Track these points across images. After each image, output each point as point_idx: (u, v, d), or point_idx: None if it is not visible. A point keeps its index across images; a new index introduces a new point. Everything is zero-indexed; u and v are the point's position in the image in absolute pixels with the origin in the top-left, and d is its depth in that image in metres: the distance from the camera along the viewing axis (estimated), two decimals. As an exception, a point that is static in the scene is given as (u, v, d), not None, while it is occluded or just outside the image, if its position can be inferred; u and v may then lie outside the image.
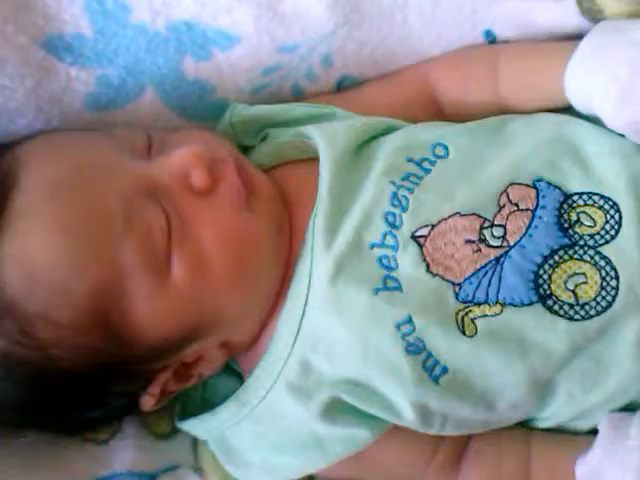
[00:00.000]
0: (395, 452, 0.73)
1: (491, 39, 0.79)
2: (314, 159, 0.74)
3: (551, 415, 0.71)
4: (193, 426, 0.76)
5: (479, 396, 0.68)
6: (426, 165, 0.71)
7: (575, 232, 0.68)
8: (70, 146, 0.69)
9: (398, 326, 0.67)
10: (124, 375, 0.68)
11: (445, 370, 0.67)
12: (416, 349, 0.67)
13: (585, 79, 0.71)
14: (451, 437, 0.72)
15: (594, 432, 0.70)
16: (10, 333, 0.64)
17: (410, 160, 0.72)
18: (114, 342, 0.66)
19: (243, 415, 0.72)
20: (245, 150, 0.79)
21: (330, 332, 0.68)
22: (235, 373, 0.77)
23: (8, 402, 0.68)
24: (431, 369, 0.67)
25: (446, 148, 0.72)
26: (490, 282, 0.67)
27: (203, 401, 0.78)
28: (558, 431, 0.73)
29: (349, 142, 0.72)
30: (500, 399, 0.68)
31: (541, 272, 0.67)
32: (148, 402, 0.71)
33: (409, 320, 0.67)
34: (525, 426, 0.74)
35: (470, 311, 0.67)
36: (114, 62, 0.74)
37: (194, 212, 0.67)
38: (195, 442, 0.79)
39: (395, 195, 0.70)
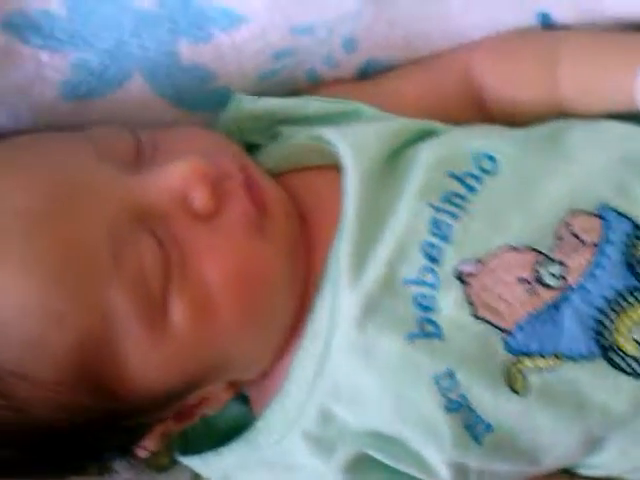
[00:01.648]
0: None
1: (547, 23, 0.66)
2: (334, 167, 0.63)
3: (599, 465, 0.63)
4: (195, 464, 0.66)
5: (524, 453, 0.60)
6: (470, 182, 0.60)
7: (645, 272, 0.58)
8: (43, 159, 0.57)
9: (437, 380, 0.57)
10: (117, 431, 0.58)
11: (489, 428, 0.58)
12: (457, 406, 0.57)
13: None
14: None
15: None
16: None
17: (452, 175, 0.60)
18: (103, 399, 0.55)
19: (252, 460, 0.63)
20: (250, 149, 0.67)
21: (356, 380, 0.59)
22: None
23: None
24: (473, 427, 0.58)
25: (494, 160, 0.61)
26: (545, 330, 0.57)
27: (205, 424, 0.68)
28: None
29: (380, 153, 0.61)
30: (547, 455, 0.60)
31: (604, 319, 0.57)
32: (144, 452, 0.61)
33: (449, 373, 0.57)
34: (568, 472, 0.66)
35: (521, 364, 0.57)
36: (93, 45, 0.61)
37: (195, 241, 0.56)
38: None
39: (435, 221, 0.59)
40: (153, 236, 0.55)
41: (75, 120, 0.64)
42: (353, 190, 0.59)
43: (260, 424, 0.63)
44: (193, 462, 0.66)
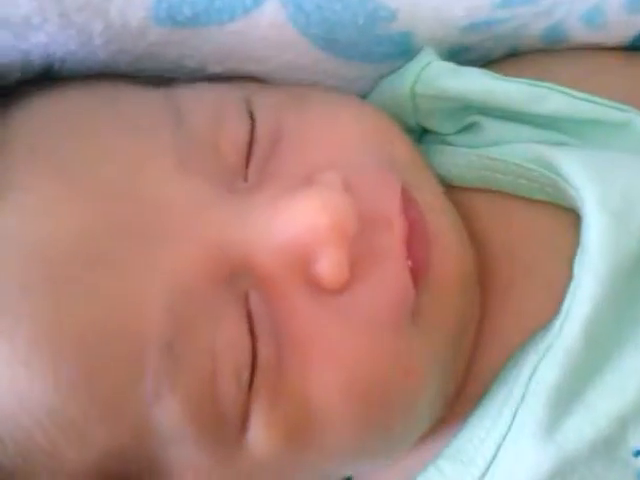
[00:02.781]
0: None
1: None
2: (558, 208, 0.39)
3: None
4: None
5: None
6: None
7: None
8: (98, 149, 0.35)
9: None
10: None
11: None
12: None
13: None
14: None
15: None
16: None
17: None
18: None
19: None
20: (421, 135, 0.44)
21: None
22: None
23: None
24: None
25: None
26: None
27: None
28: None
29: None
30: None
31: None
32: None
33: None
34: None
35: None
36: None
37: (305, 329, 0.35)
38: None
39: None
40: (244, 311, 0.35)
41: (167, 60, 0.42)
42: (592, 292, 0.36)
43: None
44: None
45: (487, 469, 0.38)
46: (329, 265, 0.34)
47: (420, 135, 0.44)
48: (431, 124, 0.43)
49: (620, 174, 0.37)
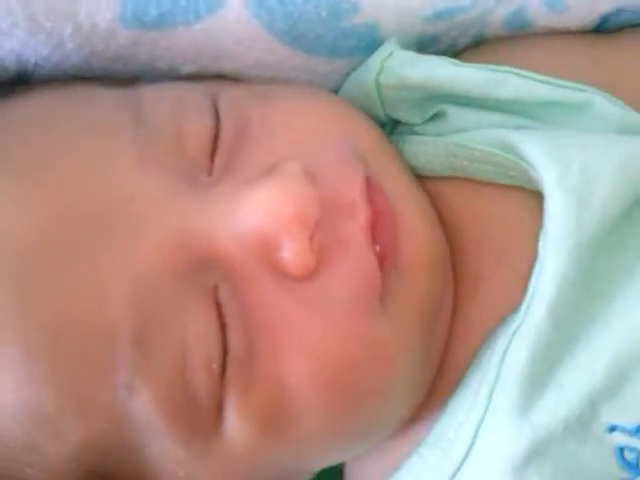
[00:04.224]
0: None
1: None
2: (524, 191, 0.39)
3: None
4: None
5: None
6: None
7: None
8: (56, 148, 0.36)
9: None
10: None
11: None
12: None
13: None
14: None
15: None
16: None
17: None
18: None
19: None
20: (393, 129, 0.44)
21: None
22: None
23: None
24: None
25: None
26: None
27: None
28: None
29: (615, 208, 0.36)
30: None
31: None
32: None
33: None
34: None
35: None
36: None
37: (275, 317, 0.35)
38: None
39: None
40: (212, 302, 0.35)
41: (139, 62, 0.43)
42: (555, 272, 0.36)
43: None
44: None
45: (467, 454, 0.38)
46: (293, 252, 0.35)
47: (391, 128, 0.44)
48: (399, 115, 0.43)
49: (579, 152, 0.37)
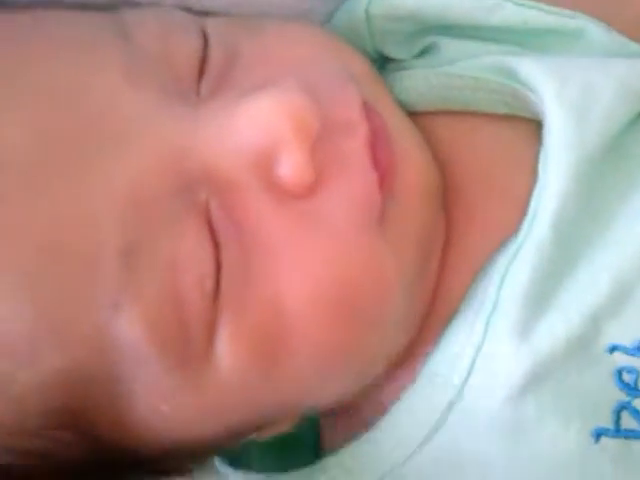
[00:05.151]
0: None
1: None
2: (521, 121, 0.39)
3: None
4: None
5: None
6: None
7: None
8: (35, 69, 0.34)
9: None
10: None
11: None
12: None
13: None
14: None
15: None
16: None
17: None
18: (96, 449, 0.36)
19: None
20: (382, 65, 0.43)
21: (484, 458, 0.37)
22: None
23: None
24: None
25: None
26: None
27: None
28: None
29: (614, 125, 0.37)
30: None
31: None
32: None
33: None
34: None
35: None
36: None
37: (271, 235, 0.34)
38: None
39: None
40: (204, 220, 0.33)
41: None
42: (558, 187, 0.36)
43: (331, 461, 0.42)
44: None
45: (462, 387, 0.37)
46: (291, 166, 0.33)
47: (380, 66, 0.44)
48: (388, 49, 0.42)
49: (578, 70, 0.37)
